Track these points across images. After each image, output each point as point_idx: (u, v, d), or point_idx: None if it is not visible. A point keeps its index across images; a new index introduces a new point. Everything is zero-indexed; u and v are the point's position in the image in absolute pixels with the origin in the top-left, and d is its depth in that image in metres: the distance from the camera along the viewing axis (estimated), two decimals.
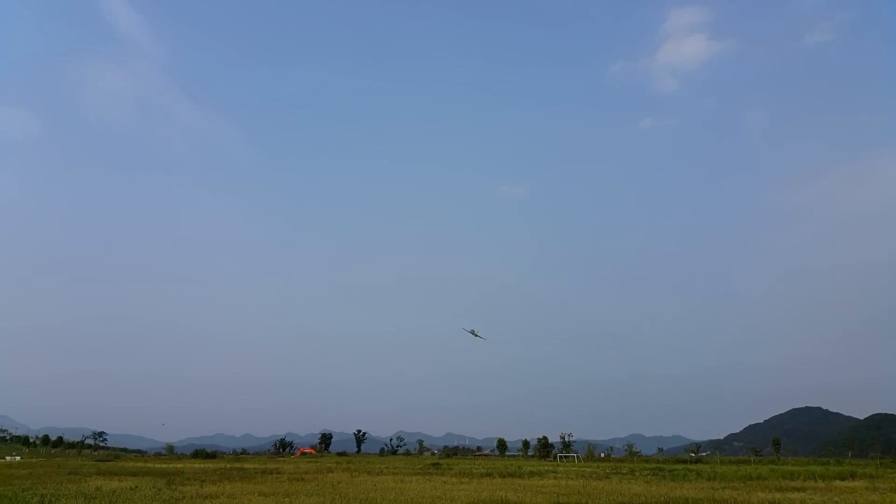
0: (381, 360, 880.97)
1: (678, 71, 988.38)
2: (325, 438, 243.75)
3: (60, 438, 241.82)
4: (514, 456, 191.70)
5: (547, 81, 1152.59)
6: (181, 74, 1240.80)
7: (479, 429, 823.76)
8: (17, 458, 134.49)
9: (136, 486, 38.69)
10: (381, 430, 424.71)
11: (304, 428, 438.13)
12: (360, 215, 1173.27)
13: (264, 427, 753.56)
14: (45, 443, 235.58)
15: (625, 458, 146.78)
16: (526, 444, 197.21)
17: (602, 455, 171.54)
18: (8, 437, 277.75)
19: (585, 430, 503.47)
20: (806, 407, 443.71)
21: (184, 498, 30.95)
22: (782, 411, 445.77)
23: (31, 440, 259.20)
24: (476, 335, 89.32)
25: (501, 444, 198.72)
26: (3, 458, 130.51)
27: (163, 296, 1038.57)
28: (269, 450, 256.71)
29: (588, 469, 77.72)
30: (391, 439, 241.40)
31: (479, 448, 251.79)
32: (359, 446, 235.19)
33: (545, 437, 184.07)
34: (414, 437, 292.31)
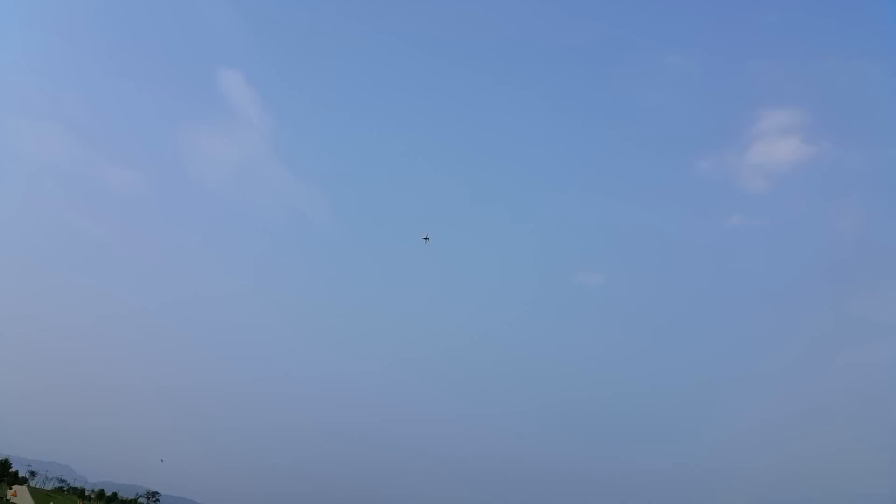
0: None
1: (769, 171, 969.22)
2: None
3: (115, 494, 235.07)
4: None
5: (633, 172, 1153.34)
6: (282, 145, 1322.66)
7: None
8: None
9: None
10: None
11: None
12: (426, 299, 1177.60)
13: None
14: (100, 497, 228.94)
15: None
16: None
17: None
18: (65, 489, 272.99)
19: None
20: None
21: None
22: None
23: (86, 492, 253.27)
24: (426, 238, 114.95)
25: None
26: None
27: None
28: None
29: None
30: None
31: None
32: None
33: None
34: None
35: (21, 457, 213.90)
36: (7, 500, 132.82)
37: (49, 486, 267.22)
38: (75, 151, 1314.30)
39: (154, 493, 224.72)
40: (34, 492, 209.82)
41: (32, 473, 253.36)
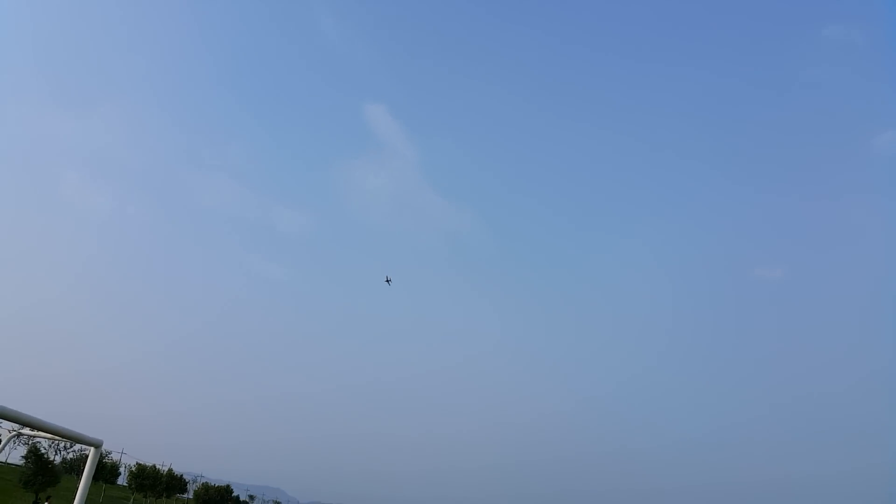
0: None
1: None
2: None
3: None
4: None
5: (805, 152, 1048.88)
6: (430, 172, 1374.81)
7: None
8: None
9: None
10: None
11: None
12: (589, 299, 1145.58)
13: None
14: None
15: None
16: None
17: None
18: None
19: None
20: None
21: None
22: None
23: None
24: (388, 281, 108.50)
25: None
26: None
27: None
28: None
29: None
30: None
31: None
32: None
33: None
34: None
35: (238, 482, 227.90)
36: None
37: None
38: (247, 198, 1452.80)
39: None
40: None
41: (251, 497, 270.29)
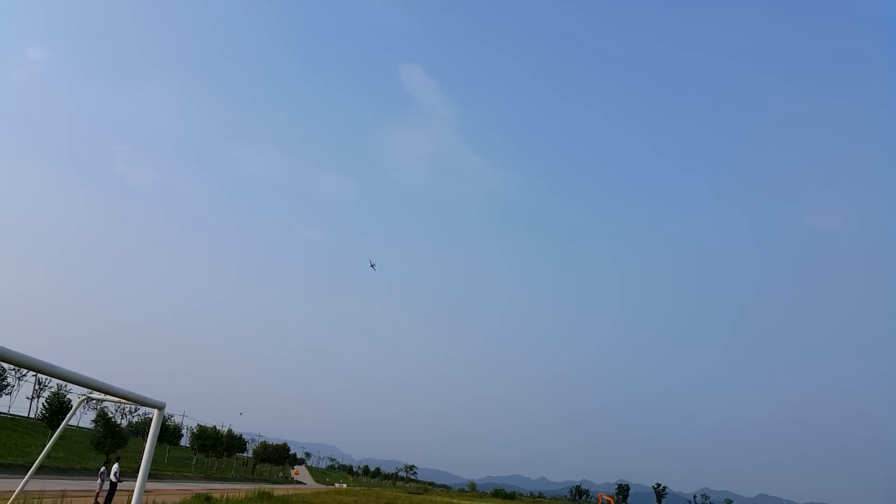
0: (688, 416, 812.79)
1: None
2: (623, 489, 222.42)
3: (378, 469, 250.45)
4: None
5: (871, 81, 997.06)
6: (469, 132, 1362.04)
7: (798, 490, 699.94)
8: (344, 485, 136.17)
9: None
10: (683, 485, 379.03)
11: (600, 476, 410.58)
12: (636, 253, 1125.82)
13: (559, 471, 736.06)
14: (365, 472, 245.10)
15: None
16: None
17: None
18: (336, 466, 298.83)
19: None
20: None
21: None
22: None
23: (353, 469, 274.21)
24: (372, 266, 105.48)
25: None
26: (333, 485, 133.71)
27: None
28: (565, 495, 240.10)
29: None
30: (694, 496, 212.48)
31: None
32: (659, 501, 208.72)
33: None
34: (720, 496, 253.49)
35: (296, 441, 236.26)
36: (292, 479, 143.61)
37: (323, 465, 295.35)
38: (289, 166, 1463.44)
39: (411, 467, 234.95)
40: (311, 470, 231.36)
41: (308, 454, 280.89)
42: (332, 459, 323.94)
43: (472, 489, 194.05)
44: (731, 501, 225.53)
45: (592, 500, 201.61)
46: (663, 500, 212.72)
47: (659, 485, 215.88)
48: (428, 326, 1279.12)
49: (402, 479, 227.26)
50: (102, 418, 73.38)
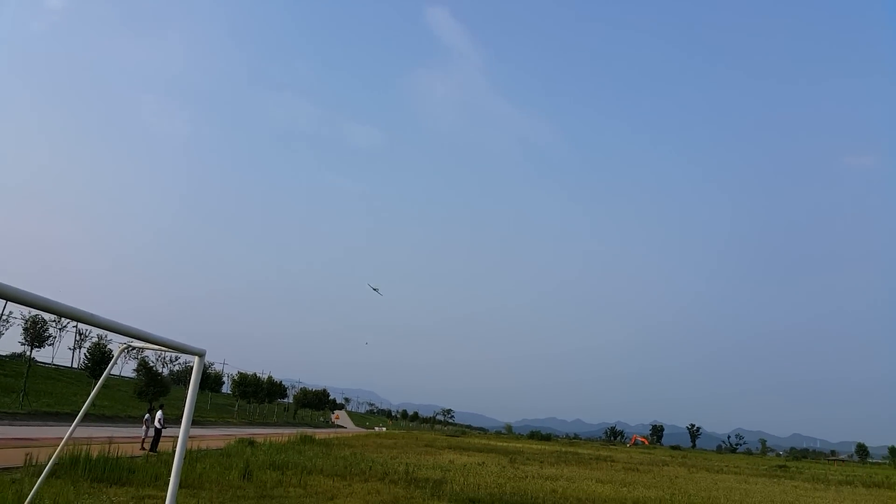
0: (720, 355, 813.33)
1: None
2: (657, 430, 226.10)
3: (416, 413, 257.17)
4: (878, 464, 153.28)
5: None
6: (499, 78, 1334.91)
7: (832, 431, 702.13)
8: (384, 429, 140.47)
9: (483, 462, 37.17)
10: (717, 426, 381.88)
11: (634, 418, 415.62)
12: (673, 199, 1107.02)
13: (594, 414, 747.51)
14: (403, 416, 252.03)
15: None
16: (893, 451, 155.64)
17: None
18: (375, 411, 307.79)
19: None
20: None
21: (526, 477, 28.97)
22: None
23: (392, 413, 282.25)
24: (374, 288, 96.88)
25: (861, 450, 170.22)
26: (373, 429, 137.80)
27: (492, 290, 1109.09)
28: (600, 437, 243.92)
29: None
30: (728, 437, 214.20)
31: (833, 452, 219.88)
32: (693, 441, 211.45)
33: None
34: (754, 437, 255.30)
35: (335, 386, 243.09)
36: (333, 423, 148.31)
37: (362, 410, 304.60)
38: (316, 114, 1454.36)
39: (449, 410, 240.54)
40: (351, 415, 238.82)
41: (347, 399, 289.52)
42: (371, 404, 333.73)
43: (508, 431, 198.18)
44: (765, 441, 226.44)
45: (626, 440, 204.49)
46: (697, 440, 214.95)
47: (693, 425, 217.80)
48: (466, 274, 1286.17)
49: (439, 422, 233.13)
50: (144, 367, 75.99)
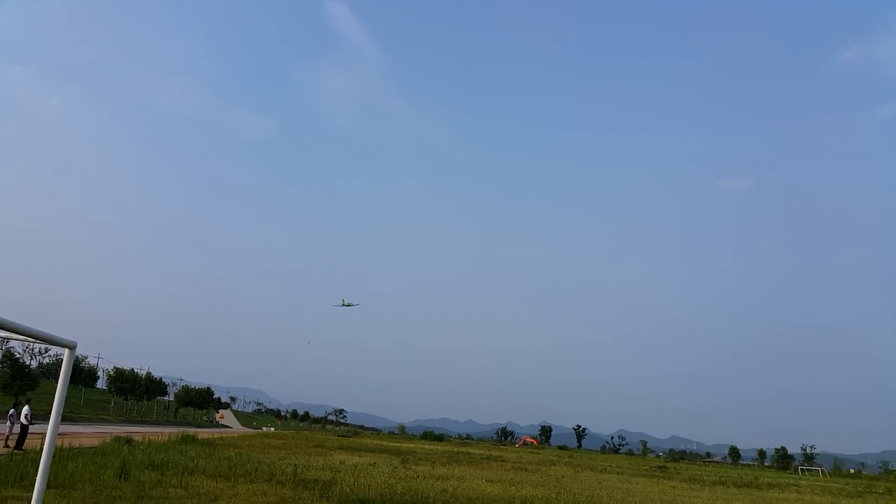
0: (604, 361, 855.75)
1: None
2: (545, 431, 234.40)
3: (307, 413, 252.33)
4: (747, 465, 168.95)
5: (771, 66, 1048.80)
6: (397, 75, 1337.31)
7: (707, 434, 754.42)
8: (272, 429, 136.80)
9: (375, 463, 37.26)
10: (602, 427, 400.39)
11: (524, 418, 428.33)
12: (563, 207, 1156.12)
13: (486, 415, 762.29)
14: (293, 416, 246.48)
15: (879, 476, 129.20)
16: (762, 453, 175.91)
17: (851, 471, 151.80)
18: (263, 410, 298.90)
19: (829, 442, 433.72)
20: None
21: (417, 477, 29.15)
22: None
23: (281, 413, 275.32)
24: (348, 304, 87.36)
25: (733, 452, 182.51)
26: (261, 429, 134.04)
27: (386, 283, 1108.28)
28: (491, 437, 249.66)
29: (836, 485, 69.68)
30: (612, 437, 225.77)
31: (708, 454, 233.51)
32: (579, 442, 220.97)
33: (783, 448, 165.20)
34: (636, 437, 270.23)
35: (220, 385, 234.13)
36: (217, 422, 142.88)
37: (249, 409, 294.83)
38: (205, 100, 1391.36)
39: (341, 411, 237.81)
40: (237, 415, 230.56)
41: (232, 398, 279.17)
42: (259, 404, 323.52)
43: (401, 431, 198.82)
44: (646, 442, 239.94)
45: (517, 440, 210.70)
46: (583, 441, 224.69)
47: (579, 426, 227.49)
48: (355, 271, 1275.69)
49: (331, 422, 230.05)
50: (9, 359, 70.61)
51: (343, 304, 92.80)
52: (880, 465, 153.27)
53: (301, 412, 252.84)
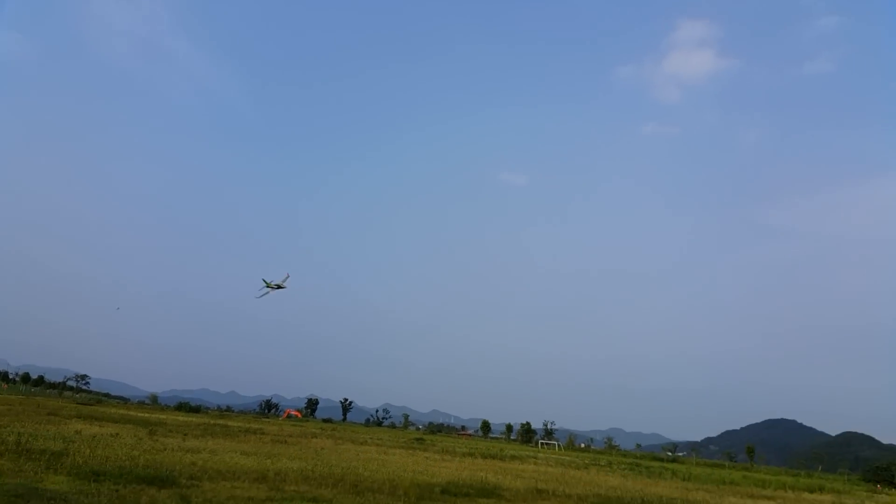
0: (373, 333, 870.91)
1: (683, 82, 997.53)
2: (312, 403, 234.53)
3: (41, 378, 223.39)
4: (497, 438, 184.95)
5: (553, 77, 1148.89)
6: (185, 15, 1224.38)
7: (464, 408, 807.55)
8: None
9: (117, 434, 35.52)
10: (368, 400, 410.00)
11: (291, 391, 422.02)
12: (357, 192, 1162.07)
13: (251, 386, 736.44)
14: (24, 380, 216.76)
15: (604, 451, 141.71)
16: (509, 427, 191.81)
17: (582, 445, 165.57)
18: None
19: (568, 419, 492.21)
20: (781, 419, 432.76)
21: (164, 449, 27.99)
22: (758, 421, 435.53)
23: (9, 376, 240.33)
24: (273, 286, 75.49)
25: (485, 426, 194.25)
26: None
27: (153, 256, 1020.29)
28: (254, 409, 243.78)
29: (568, 458, 76.78)
30: (377, 410, 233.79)
31: (463, 427, 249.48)
32: (344, 415, 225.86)
33: (528, 423, 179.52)
34: (400, 411, 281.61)
35: None
36: None
37: None
38: None
39: (84, 376, 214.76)
40: None
41: None
42: None
43: (153, 401, 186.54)
44: (408, 416, 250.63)
45: (281, 413, 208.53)
46: (349, 414, 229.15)
47: (346, 399, 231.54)
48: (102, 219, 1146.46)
49: (70, 388, 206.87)
50: None
51: (268, 287, 76.08)
52: (606, 440, 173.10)
53: (34, 376, 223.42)
